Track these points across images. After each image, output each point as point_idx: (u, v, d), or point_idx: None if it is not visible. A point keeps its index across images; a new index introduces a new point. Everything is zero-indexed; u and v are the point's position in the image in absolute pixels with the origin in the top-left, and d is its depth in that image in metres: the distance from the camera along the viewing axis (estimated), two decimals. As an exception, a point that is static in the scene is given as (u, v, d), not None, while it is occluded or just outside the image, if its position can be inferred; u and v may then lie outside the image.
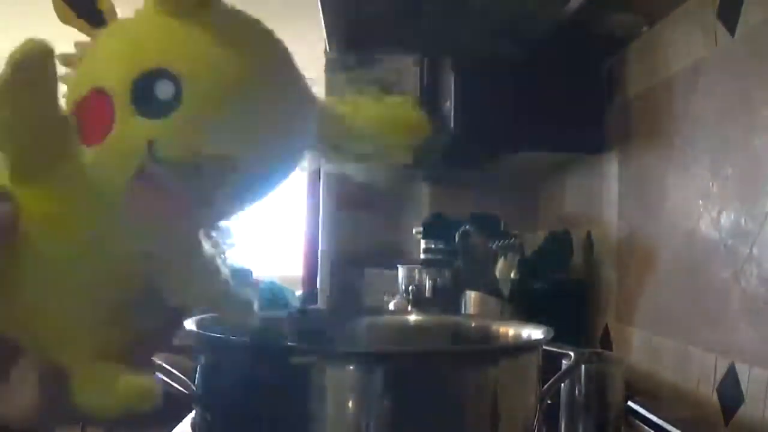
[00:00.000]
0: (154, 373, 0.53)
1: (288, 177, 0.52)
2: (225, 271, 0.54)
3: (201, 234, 0.53)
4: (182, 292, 0.52)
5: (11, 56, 0.44)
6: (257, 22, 0.49)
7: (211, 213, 0.50)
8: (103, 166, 0.45)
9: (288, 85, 0.49)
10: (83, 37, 0.52)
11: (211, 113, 0.45)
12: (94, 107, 0.46)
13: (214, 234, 0.54)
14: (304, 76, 0.51)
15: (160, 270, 0.50)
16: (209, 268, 0.53)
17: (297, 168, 0.52)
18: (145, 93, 0.44)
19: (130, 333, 0.51)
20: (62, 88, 0.48)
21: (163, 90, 0.44)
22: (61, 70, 0.50)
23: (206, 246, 0.54)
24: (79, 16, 0.52)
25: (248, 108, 0.46)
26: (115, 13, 0.52)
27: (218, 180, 0.46)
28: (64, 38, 0.56)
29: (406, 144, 0.53)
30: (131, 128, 0.44)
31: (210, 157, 0.45)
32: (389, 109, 0.54)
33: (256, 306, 0.54)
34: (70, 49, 0.53)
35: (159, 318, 0.52)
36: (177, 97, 0.44)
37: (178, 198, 0.45)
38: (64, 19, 0.52)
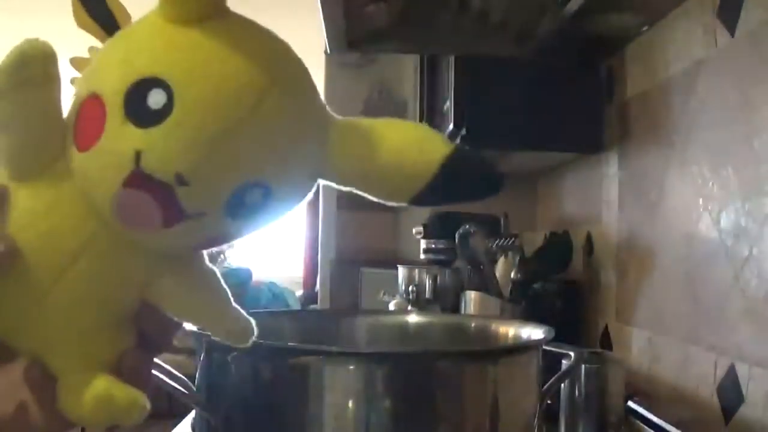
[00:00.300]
0: (146, 385, 0.51)
1: (296, 201, 0.49)
2: (225, 288, 0.52)
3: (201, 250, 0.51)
4: (179, 308, 0.51)
5: (12, 54, 0.44)
6: (270, 35, 0.46)
7: (207, 230, 0.46)
8: (91, 172, 0.45)
9: (294, 105, 0.46)
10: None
11: (200, 126, 0.42)
12: (88, 112, 0.45)
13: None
14: (318, 95, 0.48)
15: (155, 282, 0.49)
16: (210, 285, 0.51)
17: (305, 193, 0.49)
18: (137, 101, 0.43)
19: (123, 341, 0.50)
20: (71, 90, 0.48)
21: (155, 99, 0.43)
22: (73, 73, 0.49)
23: (207, 260, 0.52)
24: (96, 21, 0.51)
25: (245, 125, 0.43)
26: (129, 19, 0.51)
27: (212, 196, 0.44)
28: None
29: (413, 174, 0.48)
30: (120, 136, 0.43)
31: (198, 172, 0.43)
32: (408, 145, 0.48)
33: (255, 329, 0.52)
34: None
35: (155, 326, 0.51)
36: (169, 107, 0.42)
37: (168, 210, 0.43)
38: (82, 24, 0.51)
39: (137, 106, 0.43)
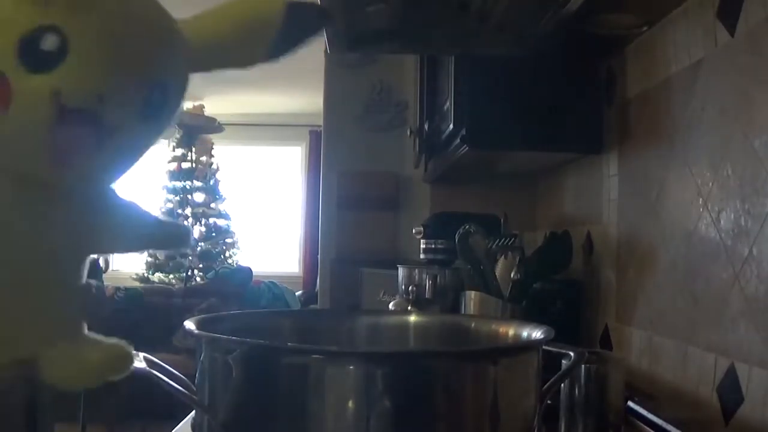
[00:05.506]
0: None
1: (183, 94, 0.57)
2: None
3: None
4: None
5: None
6: None
7: (129, 142, 0.54)
8: (15, 129, 0.48)
9: (153, 19, 0.53)
10: None
11: (104, 54, 0.49)
12: None
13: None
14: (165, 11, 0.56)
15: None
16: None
17: (186, 86, 0.57)
18: (30, 51, 0.47)
19: (76, 306, 0.54)
20: None
21: (49, 42, 0.47)
22: None
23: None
24: None
25: (132, 46, 0.50)
26: None
27: (129, 105, 0.51)
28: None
29: (262, 28, 0.58)
30: (29, 86, 0.47)
31: (112, 94, 0.49)
32: (235, 4, 0.58)
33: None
34: None
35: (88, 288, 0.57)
36: (63, 47, 0.47)
37: (98, 130, 0.49)
38: None
39: (33, 55, 0.47)
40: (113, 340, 0.55)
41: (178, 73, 0.55)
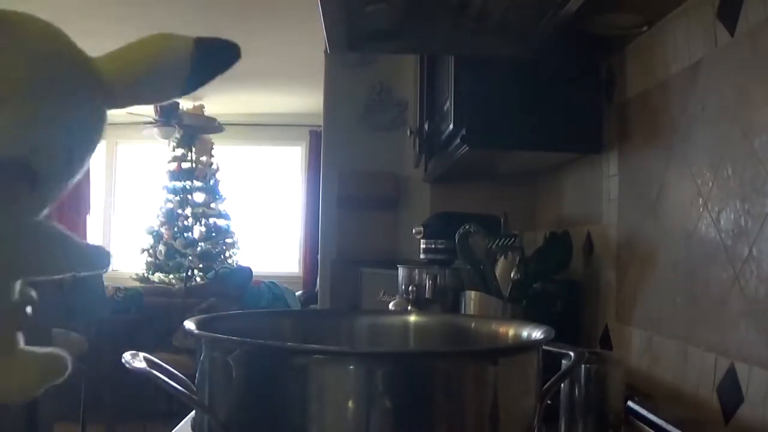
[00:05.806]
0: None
1: (102, 128, 0.60)
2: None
3: None
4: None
5: None
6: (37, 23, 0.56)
7: (60, 184, 0.57)
8: None
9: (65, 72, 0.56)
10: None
11: (33, 109, 0.52)
12: None
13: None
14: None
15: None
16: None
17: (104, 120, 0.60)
18: None
19: (11, 323, 0.58)
20: None
21: None
22: None
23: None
24: None
25: (58, 99, 0.54)
26: None
27: (52, 161, 0.54)
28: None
29: (175, 65, 0.60)
30: None
31: (41, 144, 0.52)
32: (147, 43, 0.60)
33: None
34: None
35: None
36: None
37: (24, 183, 0.53)
38: None
39: None
40: (48, 349, 0.59)
41: (97, 116, 0.59)
